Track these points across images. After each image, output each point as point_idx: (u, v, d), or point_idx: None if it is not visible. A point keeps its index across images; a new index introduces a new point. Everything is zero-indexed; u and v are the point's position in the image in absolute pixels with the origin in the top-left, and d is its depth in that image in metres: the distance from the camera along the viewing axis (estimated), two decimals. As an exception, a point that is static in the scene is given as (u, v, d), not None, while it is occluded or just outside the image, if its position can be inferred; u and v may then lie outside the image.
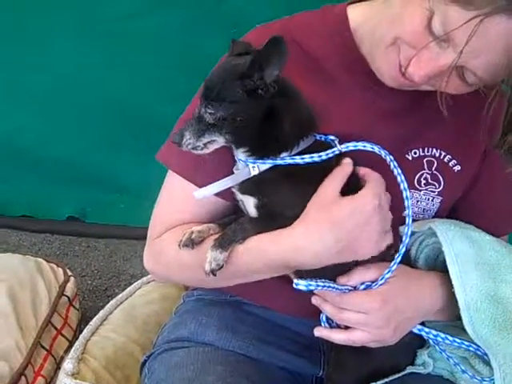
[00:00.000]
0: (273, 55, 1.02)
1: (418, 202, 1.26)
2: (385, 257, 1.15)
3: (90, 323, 1.72)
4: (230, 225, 1.15)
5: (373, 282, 1.14)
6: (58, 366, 1.88)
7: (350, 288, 1.15)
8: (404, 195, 1.13)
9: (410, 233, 1.15)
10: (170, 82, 2.37)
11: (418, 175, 1.26)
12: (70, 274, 2.14)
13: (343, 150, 1.13)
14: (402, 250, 1.14)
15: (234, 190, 1.17)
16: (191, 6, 2.25)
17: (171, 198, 1.30)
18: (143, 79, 2.41)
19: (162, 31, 2.31)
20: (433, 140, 1.26)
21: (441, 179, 1.27)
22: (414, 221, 1.23)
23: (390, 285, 1.15)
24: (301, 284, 1.11)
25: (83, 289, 2.51)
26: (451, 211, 1.32)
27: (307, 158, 1.10)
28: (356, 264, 1.14)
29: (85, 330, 1.69)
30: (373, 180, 1.12)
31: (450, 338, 1.22)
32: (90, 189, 2.74)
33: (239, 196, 1.17)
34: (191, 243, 1.14)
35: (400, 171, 1.13)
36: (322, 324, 1.22)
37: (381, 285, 1.14)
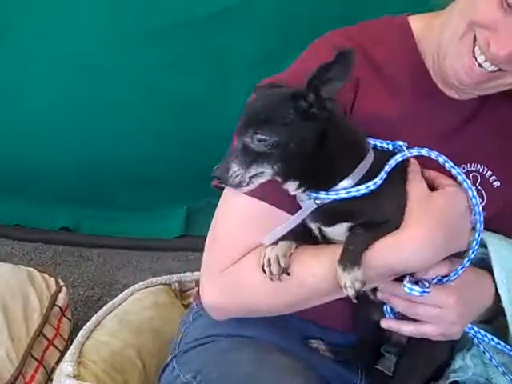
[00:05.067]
0: (338, 68, 0.97)
1: None
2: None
3: (84, 328, 1.70)
4: (290, 235, 1.12)
5: (443, 277, 1.13)
6: (49, 377, 1.86)
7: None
8: (474, 202, 1.13)
9: (482, 228, 1.15)
10: (155, 119, 2.33)
11: None
12: (61, 283, 2.11)
13: (414, 154, 1.13)
14: (476, 246, 1.14)
15: (310, 223, 1.14)
16: (177, 43, 2.19)
17: (243, 220, 1.20)
18: (128, 115, 2.37)
19: (148, 68, 2.26)
20: (478, 155, 1.27)
21: (484, 194, 1.27)
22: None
23: (462, 280, 1.14)
24: (415, 290, 1.08)
25: (75, 299, 2.49)
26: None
27: (363, 189, 1.07)
28: None
29: (78, 335, 1.66)
30: (447, 178, 1.14)
31: (496, 340, 1.22)
32: (83, 205, 2.74)
33: (317, 226, 1.14)
34: (285, 271, 1.09)
35: (470, 184, 1.14)
36: (387, 315, 1.20)
37: (452, 280, 1.14)
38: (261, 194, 1.15)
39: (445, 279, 1.14)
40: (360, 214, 1.09)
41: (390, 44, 1.24)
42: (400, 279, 1.12)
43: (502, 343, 1.22)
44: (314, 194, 1.08)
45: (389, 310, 1.21)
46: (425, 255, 1.09)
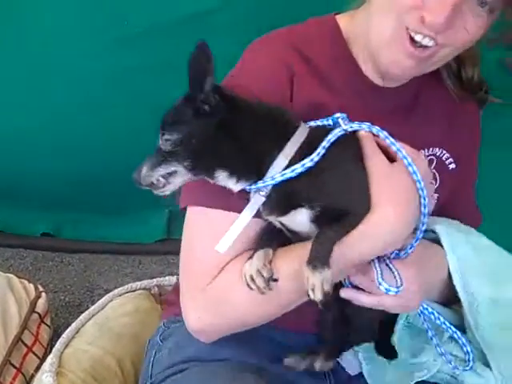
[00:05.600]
0: (203, 64, 1.02)
1: None
2: None
3: (63, 336, 1.69)
4: (265, 240, 1.13)
5: (399, 251, 1.13)
6: (28, 385, 1.85)
7: None
8: (415, 178, 1.10)
9: (427, 202, 1.12)
10: (136, 122, 2.29)
11: None
12: (41, 289, 2.09)
13: (355, 129, 1.12)
14: (425, 218, 1.13)
15: (267, 217, 1.12)
16: (158, 45, 2.15)
17: (211, 234, 1.16)
18: (108, 118, 2.33)
19: (128, 71, 2.22)
20: (433, 138, 1.30)
21: (437, 176, 1.30)
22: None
23: (418, 253, 1.15)
24: (391, 290, 1.08)
25: (56, 305, 2.46)
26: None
27: (299, 168, 1.06)
28: None
29: (57, 343, 1.65)
30: (401, 145, 1.11)
31: (442, 320, 1.23)
32: (64, 210, 2.71)
33: (276, 219, 1.12)
34: (271, 279, 1.08)
35: (410, 161, 1.09)
36: (345, 285, 1.19)
37: (409, 254, 1.14)
38: (223, 204, 1.16)
39: (402, 253, 1.14)
40: (306, 195, 1.07)
41: (322, 42, 1.26)
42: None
43: (447, 323, 1.23)
44: (253, 187, 1.08)
45: (347, 280, 1.19)
46: (398, 233, 1.08)
